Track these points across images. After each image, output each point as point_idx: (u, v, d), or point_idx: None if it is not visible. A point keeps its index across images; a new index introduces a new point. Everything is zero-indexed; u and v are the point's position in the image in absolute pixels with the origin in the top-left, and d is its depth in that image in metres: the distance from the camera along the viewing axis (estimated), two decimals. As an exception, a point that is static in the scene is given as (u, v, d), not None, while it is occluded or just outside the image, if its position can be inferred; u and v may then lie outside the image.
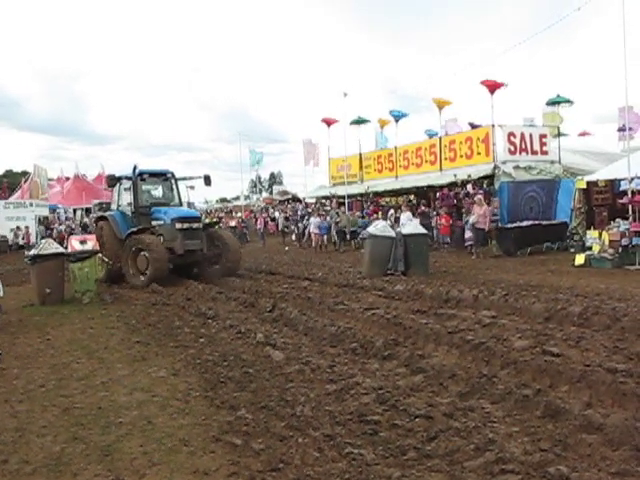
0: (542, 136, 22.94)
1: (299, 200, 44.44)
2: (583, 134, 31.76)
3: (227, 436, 4.95)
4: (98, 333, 9.82)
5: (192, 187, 20.51)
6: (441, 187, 24.62)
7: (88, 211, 43.99)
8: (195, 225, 16.66)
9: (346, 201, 29.13)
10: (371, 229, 16.62)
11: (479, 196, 20.40)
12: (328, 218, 27.39)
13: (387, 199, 30.89)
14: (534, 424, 4.92)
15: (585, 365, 6.17)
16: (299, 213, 32.91)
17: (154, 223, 16.50)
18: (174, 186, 18.21)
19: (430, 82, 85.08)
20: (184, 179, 19.24)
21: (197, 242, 16.52)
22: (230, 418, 5.36)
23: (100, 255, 14.75)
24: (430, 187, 25.75)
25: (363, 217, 27.60)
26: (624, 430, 4.54)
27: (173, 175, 18.26)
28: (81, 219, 41.00)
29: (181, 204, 18.27)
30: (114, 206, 18.05)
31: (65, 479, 4.37)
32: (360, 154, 31.36)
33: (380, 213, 27.18)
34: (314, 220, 27.29)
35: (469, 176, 22.43)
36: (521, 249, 19.60)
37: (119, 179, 17.33)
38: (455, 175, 23.10)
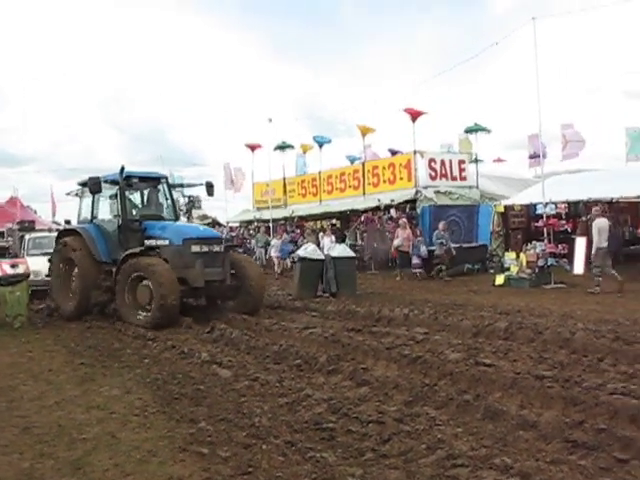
0: (461, 162, 24.08)
1: (219, 224, 44.40)
2: (497, 160, 33.31)
3: (193, 446, 5.22)
4: (38, 357, 9.75)
5: (191, 199, 16.72)
6: (365, 211, 25.35)
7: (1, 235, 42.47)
8: (216, 248, 12.88)
9: (271, 225, 29.50)
10: (301, 252, 17.07)
11: (403, 220, 21.17)
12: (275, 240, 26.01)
13: (311, 223, 31.47)
14: (476, 425, 5.44)
15: (515, 373, 6.77)
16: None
17: (150, 243, 12.94)
18: (168, 195, 14.62)
19: (353, 109, 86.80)
20: (181, 186, 16.56)
21: (219, 270, 12.78)
22: (192, 430, 5.62)
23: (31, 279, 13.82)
24: (353, 211, 26.45)
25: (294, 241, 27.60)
26: (555, 426, 5.14)
27: (167, 180, 14.93)
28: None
29: (177, 218, 14.83)
30: (84, 218, 14.56)
31: (42, 491, 4.54)
32: (284, 179, 31.91)
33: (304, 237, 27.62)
34: (276, 243, 25.79)
35: (392, 201, 23.22)
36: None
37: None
38: (379, 200, 23.85)
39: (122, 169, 13.40)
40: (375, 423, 5.51)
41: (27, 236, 20.48)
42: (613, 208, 22.03)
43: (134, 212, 13.92)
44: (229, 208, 37.38)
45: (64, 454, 5.26)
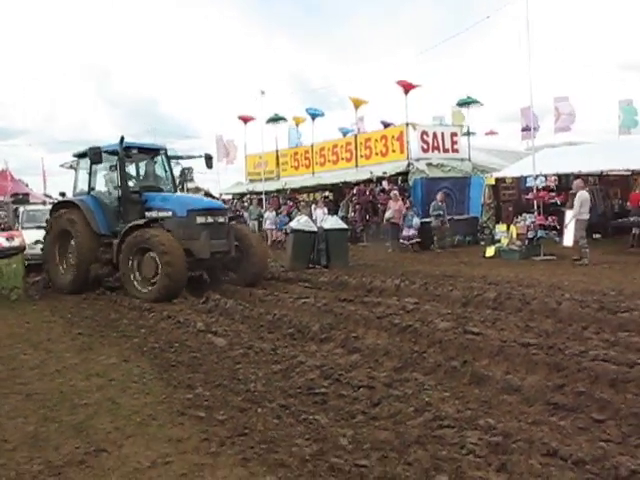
0: (453, 135, 24.24)
1: (212, 196, 44.41)
2: (490, 133, 33.46)
3: (190, 410, 5.43)
4: (36, 327, 9.94)
5: (190, 169, 16.07)
6: (357, 183, 25.48)
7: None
8: (221, 219, 12.91)
9: (264, 197, 29.60)
10: (294, 224, 17.27)
11: (395, 192, 21.33)
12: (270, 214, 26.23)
13: (304, 195, 31.60)
14: (462, 390, 5.69)
15: (502, 341, 7.00)
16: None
17: (150, 214, 12.83)
18: (167, 167, 14.56)
19: (345, 82, 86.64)
20: (180, 158, 15.92)
21: (224, 242, 12.75)
22: (189, 395, 5.84)
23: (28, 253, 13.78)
24: (346, 183, 26.58)
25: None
26: (538, 390, 5.40)
27: (166, 152, 14.68)
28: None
29: (175, 190, 14.62)
30: (80, 190, 14.40)
31: (48, 452, 4.71)
32: (277, 151, 31.96)
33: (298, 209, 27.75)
34: (269, 215, 26.01)
35: (384, 173, 23.38)
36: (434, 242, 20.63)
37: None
38: (371, 172, 23.99)
39: (122, 139, 13.26)
40: (365, 388, 5.73)
41: (21, 209, 20.19)
42: (603, 181, 22.28)
43: (132, 184, 13.78)
44: (222, 180, 37.40)
45: (67, 418, 5.47)
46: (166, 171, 14.52)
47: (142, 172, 14.46)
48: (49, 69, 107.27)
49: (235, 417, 5.19)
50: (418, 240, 20.25)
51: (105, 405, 5.77)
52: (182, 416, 5.32)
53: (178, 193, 14.61)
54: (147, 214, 12.84)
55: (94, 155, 12.96)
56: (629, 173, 21.32)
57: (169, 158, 14.63)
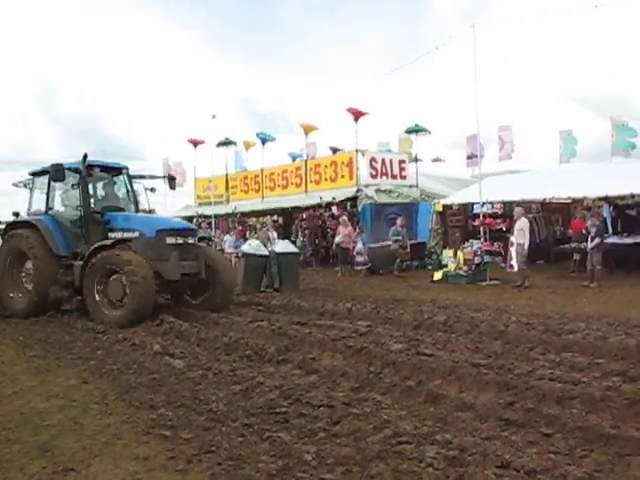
0: (401, 161, 24.87)
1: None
2: (436, 160, 34.16)
3: (155, 430, 5.52)
4: (-13, 350, 9.85)
5: (153, 189, 15.11)
6: (306, 208, 25.79)
7: None
8: (191, 240, 12.62)
9: (213, 221, 29.65)
10: (245, 247, 17.40)
11: (344, 217, 21.71)
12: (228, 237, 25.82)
13: (253, 219, 31.74)
14: (418, 408, 5.94)
15: (454, 362, 7.30)
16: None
17: (115, 235, 12.32)
18: (129, 186, 14.08)
19: (294, 107, 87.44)
20: (142, 177, 15.04)
21: (194, 264, 12.41)
22: (153, 415, 5.93)
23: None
24: (295, 208, 26.86)
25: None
26: (490, 407, 5.71)
27: (128, 171, 14.14)
28: None
29: (137, 210, 14.06)
30: (35, 210, 13.85)
31: (13, 474, 4.72)
32: (227, 175, 32.13)
33: (248, 233, 27.91)
34: (229, 239, 25.50)
35: (334, 198, 23.76)
36: (384, 267, 21.01)
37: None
38: (320, 197, 24.35)
39: (85, 157, 12.81)
40: (325, 407, 5.92)
41: None
42: (546, 208, 23.08)
43: (93, 203, 13.20)
44: (168, 203, 37.25)
45: (30, 439, 5.48)
46: (128, 191, 14.05)
47: (103, 192, 13.95)
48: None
49: (200, 436, 5.31)
50: (368, 266, 20.55)
51: (68, 425, 5.80)
52: (147, 435, 5.41)
53: (141, 213, 14.12)
54: (110, 235, 12.37)
55: (56, 172, 12.42)
56: (570, 201, 22.14)
57: (131, 178, 14.20)
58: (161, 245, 11.93)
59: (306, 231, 25.66)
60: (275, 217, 29.97)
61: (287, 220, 28.94)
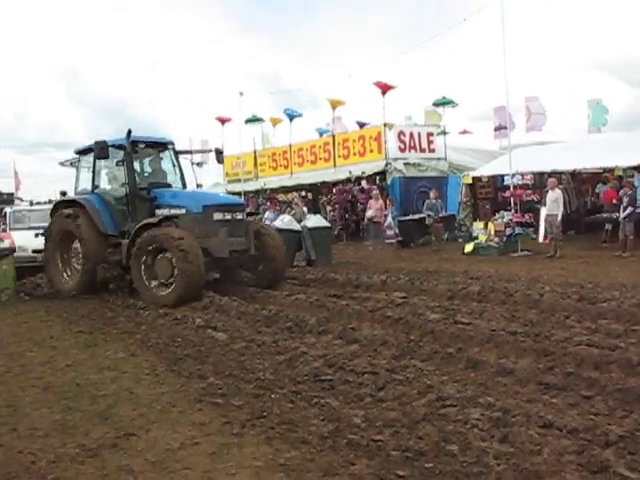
0: (429, 134, 24.82)
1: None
2: (464, 132, 34.03)
3: (207, 398, 5.77)
4: (35, 326, 10.11)
5: (200, 164, 14.87)
6: (335, 183, 25.90)
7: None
8: (239, 216, 12.19)
9: (243, 198, 29.84)
10: (277, 223, 17.52)
11: (376, 191, 21.79)
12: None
13: (281, 195, 31.94)
14: (460, 374, 6.13)
15: (491, 330, 7.47)
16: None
17: (161, 212, 12.06)
18: (175, 162, 13.66)
19: (321, 83, 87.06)
20: (189, 152, 14.70)
21: (242, 240, 12.00)
22: (203, 385, 6.18)
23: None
24: (324, 183, 26.99)
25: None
26: (529, 372, 5.87)
27: (174, 146, 13.79)
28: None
29: (184, 186, 13.72)
30: (82, 189, 13.60)
31: (79, 438, 5.00)
32: (255, 152, 32.28)
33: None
34: (269, 215, 24.03)
35: (363, 173, 23.84)
36: (414, 240, 21.12)
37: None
38: (350, 172, 24.44)
39: (129, 132, 12.50)
40: (369, 374, 6.13)
41: (8, 210, 19.28)
42: (576, 179, 22.93)
43: (139, 180, 12.86)
44: (198, 181, 37.48)
45: (88, 408, 5.76)
46: (174, 166, 13.64)
47: (149, 168, 13.68)
48: (16, 69, 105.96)
49: (250, 402, 5.55)
50: (398, 239, 20.67)
51: (123, 395, 6.08)
52: (200, 403, 5.67)
53: (189, 188, 13.89)
54: (157, 212, 12.12)
55: (100, 150, 12.19)
56: (601, 171, 21.98)
57: (177, 153, 13.83)
58: (208, 221, 11.65)
59: (335, 206, 25.78)
60: (304, 193, 30.17)
61: (315, 195, 29.09)
